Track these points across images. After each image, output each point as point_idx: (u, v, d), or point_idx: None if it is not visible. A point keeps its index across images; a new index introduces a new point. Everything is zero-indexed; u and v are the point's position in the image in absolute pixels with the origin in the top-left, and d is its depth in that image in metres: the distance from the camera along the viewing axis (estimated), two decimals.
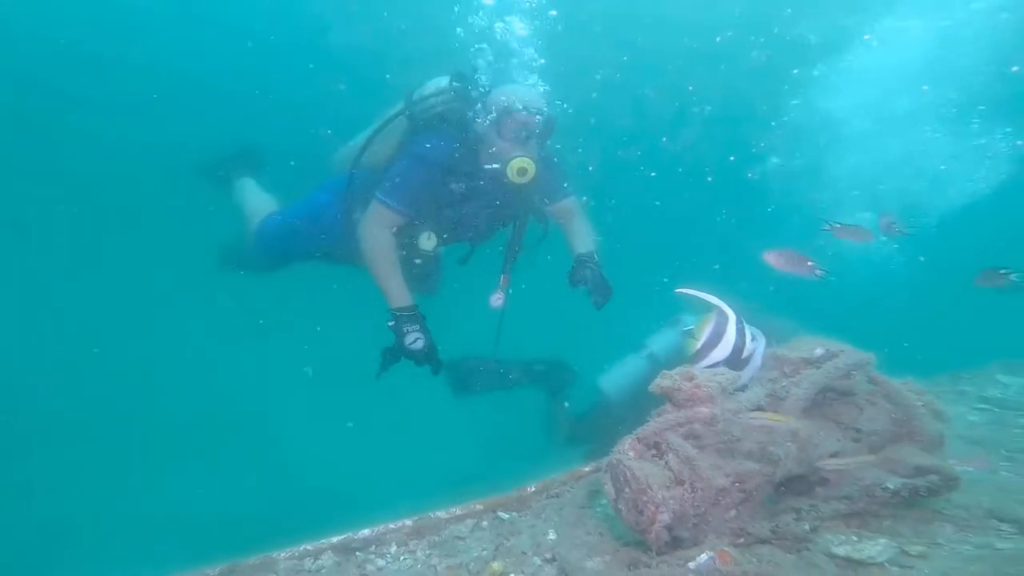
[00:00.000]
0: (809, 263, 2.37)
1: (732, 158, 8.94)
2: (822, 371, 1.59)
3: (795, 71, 7.75)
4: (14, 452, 5.56)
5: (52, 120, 7.36)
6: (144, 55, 7.75)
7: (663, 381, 1.63)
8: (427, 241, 3.60)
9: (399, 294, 3.38)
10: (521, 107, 3.25)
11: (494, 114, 3.32)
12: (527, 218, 3.80)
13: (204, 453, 5.92)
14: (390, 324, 3.37)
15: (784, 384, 1.66)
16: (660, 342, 3.87)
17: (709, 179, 9.03)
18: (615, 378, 3.88)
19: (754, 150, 8.77)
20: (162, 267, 6.89)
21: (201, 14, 8.09)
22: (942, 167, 7.68)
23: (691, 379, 1.59)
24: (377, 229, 3.42)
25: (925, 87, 7.29)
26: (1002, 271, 2.95)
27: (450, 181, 3.48)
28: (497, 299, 3.75)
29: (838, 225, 3.05)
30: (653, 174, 8.84)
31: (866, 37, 7.28)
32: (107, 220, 7.45)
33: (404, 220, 3.47)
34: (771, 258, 2.39)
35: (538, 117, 3.27)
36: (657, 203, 9.30)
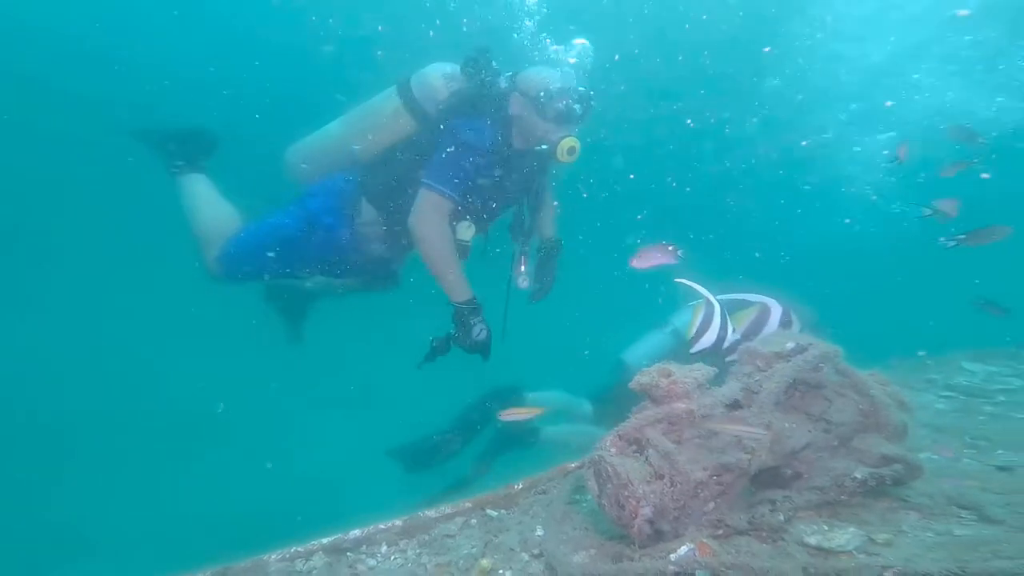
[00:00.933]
0: (669, 248, 2.40)
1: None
2: (792, 365, 1.65)
3: None
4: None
5: None
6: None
7: (642, 378, 1.68)
8: (466, 231, 3.50)
9: (462, 287, 3.31)
10: (570, 88, 3.27)
11: (538, 95, 3.28)
12: (541, 198, 3.81)
13: (193, 457, 5.90)
14: (454, 317, 3.33)
15: (757, 378, 1.72)
16: (683, 319, 3.95)
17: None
18: (639, 353, 3.98)
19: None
20: (153, 269, 6.79)
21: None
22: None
23: (668, 376, 1.64)
24: (433, 217, 3.26)
25: None
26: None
27: (493, 166, 3.40)
28: (524, 281, 3.74)
29: (963, 236, 2.87)
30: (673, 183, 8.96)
31: None
32: (102, 221, 7.28)
33: (454, 208, 3.35)
34: (637, 262, 2.41)
35: (584, 98, 3.30)
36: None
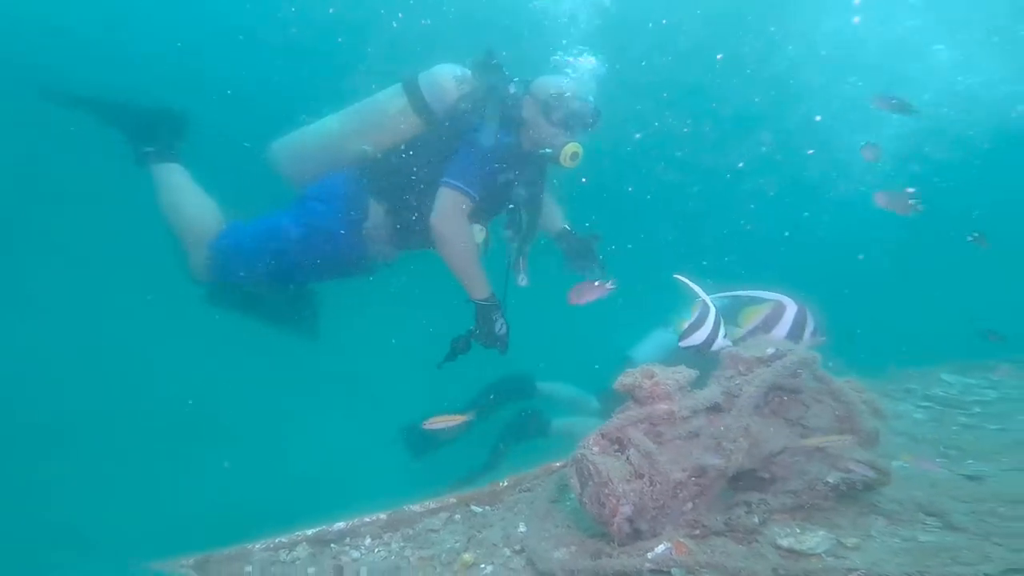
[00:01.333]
0: (596, 284, 2.59)
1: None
2: (771, 370, 1.69)
3: None
4: None
5: None
6: None
7: (625, 379, 1.72)
8: (479, 234, 3.52)
9: (483, 284, 3.37)
10: (579, 95, 3.36)
11: (549, 99, 3.34)
12: (540, 199, 3.83)
13: (180, 448, 5.89)
14: (476, 313, 3.38)
15: (738, 382, 1.76)
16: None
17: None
18: (645, 351, 4.06)
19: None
20: (149, 266, 6.69)
21: None
22: None
23: (651, 377, 1.68)
24: (455, 215, 3.29)
25: None
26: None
27: (506, 169, 3.45)
28: (524, 279, 3.80)
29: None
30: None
31: None
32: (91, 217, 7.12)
33: (473, 208, 3.37)
34: (575, 298, 2.60)
35: (592, 105, 3.39)
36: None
